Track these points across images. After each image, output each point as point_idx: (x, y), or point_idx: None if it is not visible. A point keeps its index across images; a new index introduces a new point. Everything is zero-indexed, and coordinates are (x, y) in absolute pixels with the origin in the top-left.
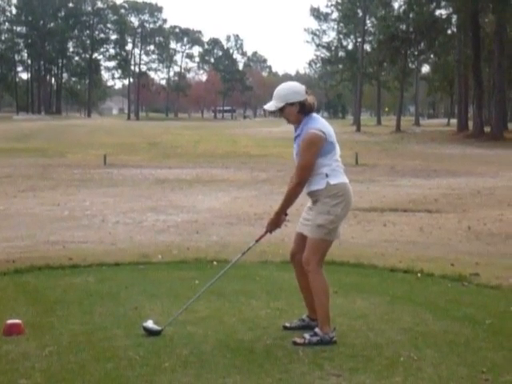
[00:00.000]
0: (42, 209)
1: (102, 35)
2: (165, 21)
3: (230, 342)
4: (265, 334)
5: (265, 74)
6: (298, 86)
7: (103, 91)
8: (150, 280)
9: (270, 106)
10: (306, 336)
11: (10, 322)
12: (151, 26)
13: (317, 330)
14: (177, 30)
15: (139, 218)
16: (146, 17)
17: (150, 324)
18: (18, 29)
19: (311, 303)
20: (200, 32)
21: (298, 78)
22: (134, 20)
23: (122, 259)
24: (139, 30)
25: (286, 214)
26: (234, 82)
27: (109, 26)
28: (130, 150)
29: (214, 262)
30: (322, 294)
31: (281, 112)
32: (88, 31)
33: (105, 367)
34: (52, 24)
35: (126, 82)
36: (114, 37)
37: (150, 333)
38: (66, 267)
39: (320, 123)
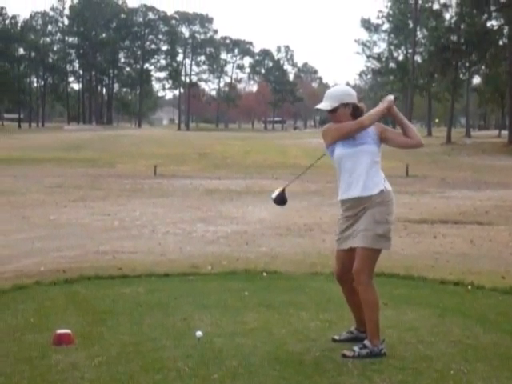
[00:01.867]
0: (92, 219)
1: (153, 46)
2: (215, 31)
3: (279, 353)
4: (314, 346)
5: (315, 84)
6: (351, 89)
7: (154, 102)
8: (200, 291)
9: (325, 105)
10: (356, 349)
11: (59, 331)
12: (202, 36)
13: (366, 342)
14: (227, 40)
15: (189, 229)
16: (196, 27)
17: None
18: (70, 39)
19: (359, 316)
20: (251, 43)
21: None
22: (185, 31)
23: (172, 270)
24: (190, 41)
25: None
26: (285, 93)
27: (160, 36)
28: (180, 161)
29: (264, 273)
30: (373, 306)
31: (332, 114)
32: (139, 42)
33: (153, 378)
34: (104, 35)
35: (177, 92)
36: (164, 47)
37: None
38: (115, 277)
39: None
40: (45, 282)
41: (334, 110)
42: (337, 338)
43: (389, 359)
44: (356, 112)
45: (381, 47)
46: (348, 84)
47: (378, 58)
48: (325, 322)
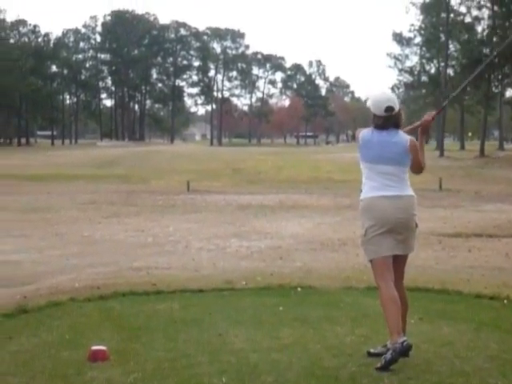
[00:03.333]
0: (126, 235)
1: (184, 62)
2: (247, 47)
3: (314, 369)
4: (350, 361)
5: (347, 99)
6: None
7: (186, 117)
8: (234, 306)
9: (396, 104)
10: (386, 356)
11: (95, 348)
12: (233, 52)
13: (388, 344)
14: (259, 55)
15: (223, 244)
16: (228, 43)
17: None
18: (103, 56)
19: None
20: (282, 58)
21: None
22: (217, 46)
23: (206, 285)
24: (222, 56)
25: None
26: (317, 108)
27: (192, 52)
28: (213, 176)
29: (298, 289)
30: (386, 307)
31: (393, 114)
32: (171, 58)
33: None
34: (136, 51)
35: (209, 108)
36: (196, 63)
37: None
38: (150, 293)
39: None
40: (79, 299)
41: (396, 113)
42: (372, 350)
43: (425, 374)
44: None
45: (413, 61)
46: None
47: (410, 71)
48: (360, 336)
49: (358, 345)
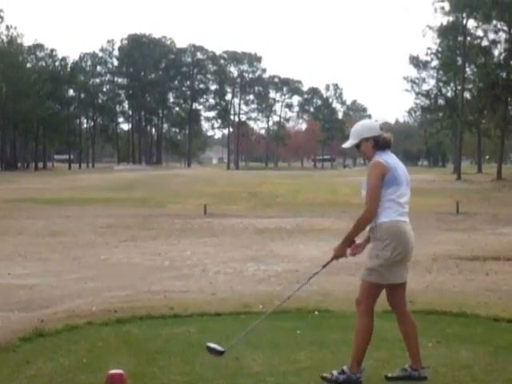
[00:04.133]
0: (142, 258)
1: (201, 85)
2: (264, 70)
3: None
4: None
5: None
6: (371, 122)
7: (203, 141)
8: (252, 330)
9: (347, 144)
10: (334, 373)
11: (112, 372)
12: (250, 75)
13: (345, 368)
14: (276, 79)
15: (240, 268)
16: (245, 67)
17: (212, 344)
18: (120, 80)
19: (414, 352)
20: (299, 81)
21: (397, 126)
22: (234, 70)
23: (223, 309)
24: (238, 80)
25: (354, 243)
26: (334, 131)
27: (208, 76)
28: (230, 200)
29: (316, 312)
30: (363, 335)
31: (358, 149)
32: (188, 82)
33: None
34: (153, 75)
35: (226, 131)
36: (213, 87)
37: (212, 351)
38: (167, 317)
39: (390, 157)
40: (97, 322)
41: (357, 146)
42: (390, 375)
43: None
44: (377, 144)
45: (429, 84)
46: (397, 121)
47: (427, 94)
48: (378, 360)
49: (376, 369)
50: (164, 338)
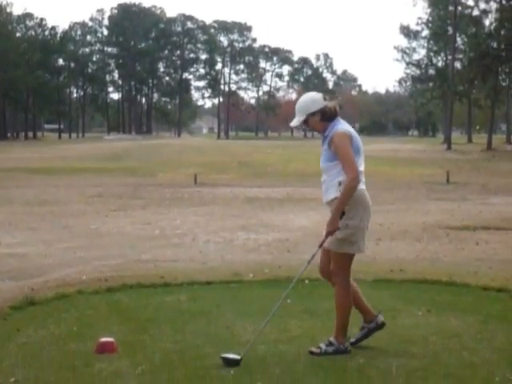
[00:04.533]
0: (133, 228)
1: (192, 55)
2: (254, 40)
3: (322, 361)
4: (357, 353)
5: (354, 92)
6: (314, 95)
7: (193, 111)
8: (242, 299)
9: (294, 122)
10: (322, 346)
11: (102, 340)
12: (241, 45)
13: (332, 339)
14: (266, 49)
15: (230, 237)
16: (235, 36)
17: (229, 354)
18: (109, 49)
19: (363, 306)
20: (290, 51)
21: (387, 96)
22: (224, 39)
23: (214, 278)
24: (229, 50)
25: (343, 214)
26: None
27: (199, 45)
28: (220, 169)
29: (306, 281)
30: (344, 306)
31: (306, 125)
32: (178, 51)
33: None
34: (143, 44)
35: (216, 101)
36: (203, 56)
37: (229, 363)
38: (157, 286)
39: (346, 126)
40: (87, 291)
41: (305, 122)
42: (353, 340)
43: (433, 366)
44: (325, 116)
45: (420, 54)
46: (387, 91)
47: (418, 64)
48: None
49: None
50: (154, 306)
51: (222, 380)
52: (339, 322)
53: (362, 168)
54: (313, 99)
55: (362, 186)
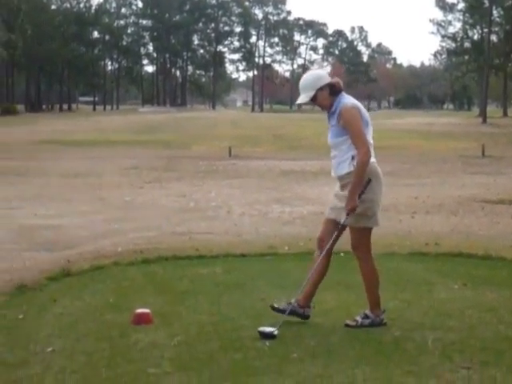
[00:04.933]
0: (167, 200)
1: (226, 28)
2: (289, 13)
3: (358, 333)
4: (393, 326)
5: (389, 65)
6: (320, 71)
7: (228, 84)
8: (277, 271)
9: (302, 98)
10: (358, 319)
11: (139, 311)
12: (275, 18)
13: (368, 312)
14: (301, 22)
15: (265, 210)
16: (270, 9)
17: (266, 328)
18: (144, 22)
19: (308, 289)
20: (324, 24)
21: (422, 69)
22: (258, 12)
23: (249, 250)
24: (263, 23)
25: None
26: (359, 74)
27: (233, 18)
28: (255, 142)
29: (341, 254)
30: (372, 279)
31: (314, 101)
32: (213, 24)
33: (233, 357)
34: (177, 17)
35: (251, 74)
36: (238, 29)
37: (266, 336)
38: (192, 258)
39: (352, 99)
40: (123, 263)
41: (314, 99)
42: (275, 305)
43: (469, 340)
44: (332, 89)
45: (456, 27)
46: (422, 64)
47: (453, 37)
48: (404, 301)
49: (402, 310)
50: (190, 278)
51: (258, 352)
52: (371, 295)
53: (371, 141)
54: (320, 75)
55: (372, 159)
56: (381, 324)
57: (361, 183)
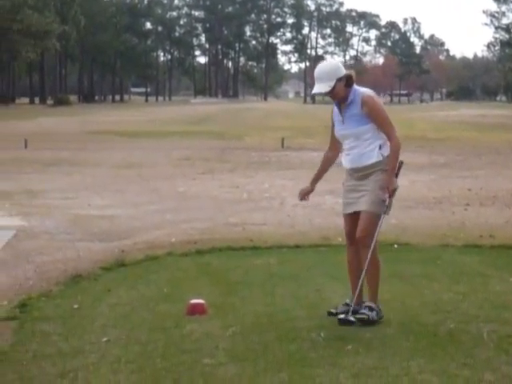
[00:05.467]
0: (220, 191)
1: (278, 19)
2: (341, 4)
3: (412, 325)
4: (448, 318)
5: (442, 57)
6: (338, 62)
7: (280, 75)
8: (331, 262)
9: (324, 87)
10: (367, 313)
11: (193, 301)
12: (327, 9)
13: (370, 304)
14: (353, 13)
15: (318, 201)
16: (322, 0)
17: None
18: (197, 13)
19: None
20: (377, 15)
21: (475, 60)
22: (311, 3)
23: (302, 241)
24: (316, 14)
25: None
26: (411, 66)
27: (285, 9)
28: (307, 133)
29: (395, 245)
30: (377, 269)
31: (331, 92)
32: (265, 15)
33: (288, 348)
34: (230, 8)
35: (303, 65)
36: (290, 21)
37: (344, 322)
38: (246, 249)
39: (370, 90)
40: (176, 253)
41: (331, 89)
42: (333, 311)
43: None
44: (349, 80)
45: (510, 18)
46: (475, 56)
47: (507, 29)
48: (458, 294)
49: (456, 302)
50: (244, 269)
51: (313, 343)
52: (374, 285)
53: None
54: (338, 65)
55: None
56: (380, 314)
57: (396, 166)
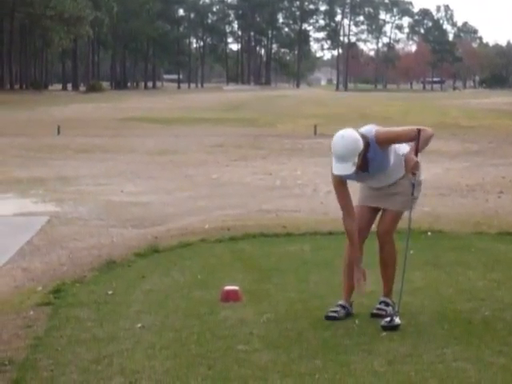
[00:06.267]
0: (253, 178)
1: (311, 6)
2: None
3: (447, 312)
4: (483, 306)
5: (475, 44)
6: (355, 135)
7: (312, 62)
8: (365, 249)
9: (346, 169)
10: (386, 309)
11: (227, 288)
12: None
13: (386, 299)
14: (386, 0)
15: (350, 188)
16: None
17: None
18: (229, 0)
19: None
20: (410, 3)
21: (509, 48)
22: None
23: (336, 228)
24: (348, 1)
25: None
26: (444, 53)
27: None
28: (340, 121)
29: (429, 233)
30: (395, 265)
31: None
32: (298, 2)
33: (322, 335)
34: None
35: (335, 52)
36: (323, 8)
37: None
38: (280, 235)
39: (370, 126)
40: (210, 240)
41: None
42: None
43: None
44: (367, 148)
45: None
46: (509, 44)
47: None
48: (493, 281)
49: (491, 290)
50: (277, 255)
51: (347, 330)
52: (391, 281)
53: None
54: (357, 140)
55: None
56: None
57: (419, 148)
